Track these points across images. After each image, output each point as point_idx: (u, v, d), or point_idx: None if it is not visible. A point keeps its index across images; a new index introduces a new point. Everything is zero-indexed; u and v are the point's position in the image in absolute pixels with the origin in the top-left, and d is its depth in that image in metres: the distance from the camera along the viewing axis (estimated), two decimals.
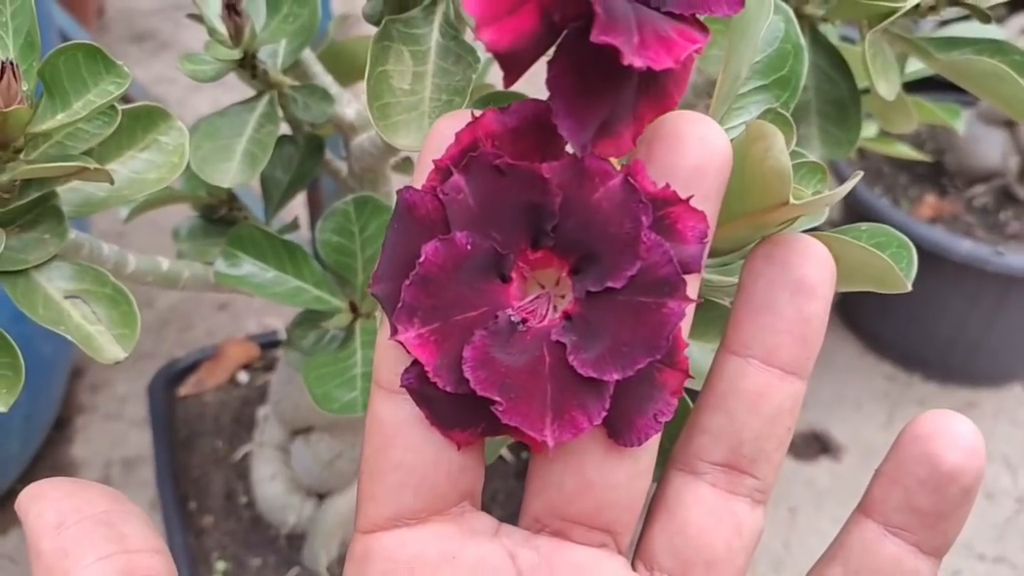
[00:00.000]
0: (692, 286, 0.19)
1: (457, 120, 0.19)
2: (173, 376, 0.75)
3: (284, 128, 0.40)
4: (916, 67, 0.47)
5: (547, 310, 0.20)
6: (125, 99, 0.29)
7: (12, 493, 0.77)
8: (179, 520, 0.63)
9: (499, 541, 0.21)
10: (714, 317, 0.26)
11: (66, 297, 0.30)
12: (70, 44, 0.28)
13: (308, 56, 0.40)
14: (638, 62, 0.16)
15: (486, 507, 0.21)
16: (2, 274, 0.29)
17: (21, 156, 0.28)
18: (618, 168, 0.19)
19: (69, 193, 0.31)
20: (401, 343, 0.19)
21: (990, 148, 0.94)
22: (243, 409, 0.72)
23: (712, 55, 0.36)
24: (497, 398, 0.18)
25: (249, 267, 0.40)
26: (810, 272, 0.20)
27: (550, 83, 0.18)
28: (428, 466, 0.20)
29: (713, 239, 0.20)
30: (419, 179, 0.20)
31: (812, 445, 0.91)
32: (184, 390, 0.74)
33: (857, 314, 1.01)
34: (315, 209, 0.66)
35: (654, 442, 0.20)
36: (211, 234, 0.46)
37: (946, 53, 0.35)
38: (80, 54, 0.28)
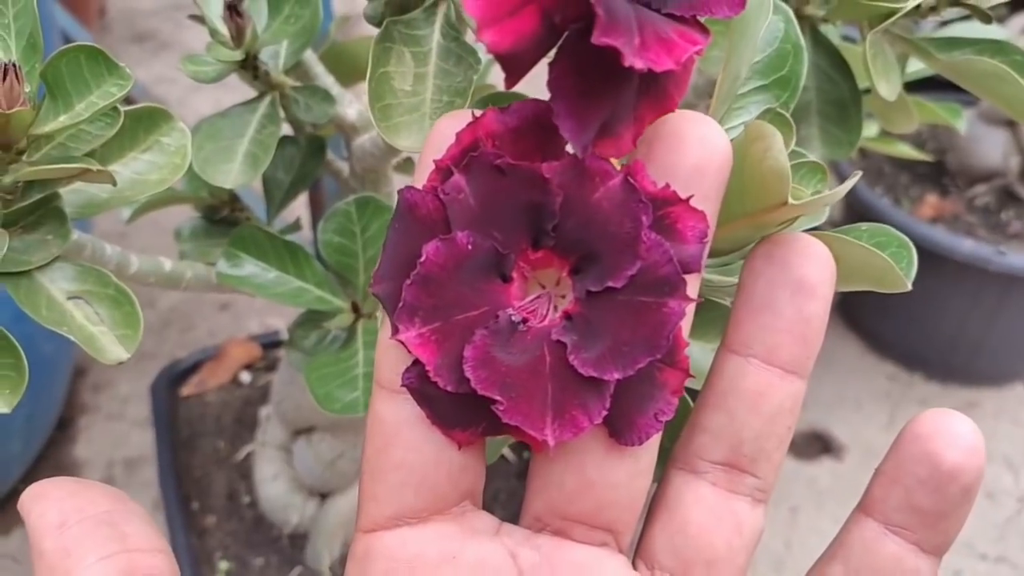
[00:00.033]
0: (692, 285, 0.19)
1: (458, 120, 0.20)
2: (175, 376, 0.75)
3: (286, 129, 0.40)
4: (917, 67, 0.47)
5: (548, 310, 0.20)
6: (127, 100, 0.29)
7: (15, 493, 0.77)
8: (182, 520, 0.63)
9: (500, 540, 0.21)
10: (715, 317, 0.26)
11: (69, 298, 0.30)
12: (72, 46, 0.28)
13: (310, 57, 0.40)
14: (639, 63, 0.16)
15: (488, 507, 0.21)
16: (5, 275, 0.30)
17: (24, 158, 0.28)
18: (618, 168, 0.19)
19: (72, 194, 0.31)
20: (402, 342, 0.19)
21: (991, 148, 0.94)
22: (245, 409, 0.72)
23: (713, 56, 0.36)
24: (498, 397, 0.18)
25: (251, 267, 0.40)
26: (810, 272, 0.20)
27: (551, 84, 0.18)
28: (429, 465, 0.20)
29: (713, 239, 0.20)
30: (420, 179, 0.20)
31: (813, 445, 0.91)
32: (186, 390, 0.74)
33: (858, 314, 1.01)
34: (317, 210, 0.66)
35: (655, 441, 0.20)
36: (213, 235, 0.46)
37: (947, 53, 0.35)
38: (82, 56, 0.28)
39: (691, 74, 0.19)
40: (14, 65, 0.26)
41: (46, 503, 0.20)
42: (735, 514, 0.21)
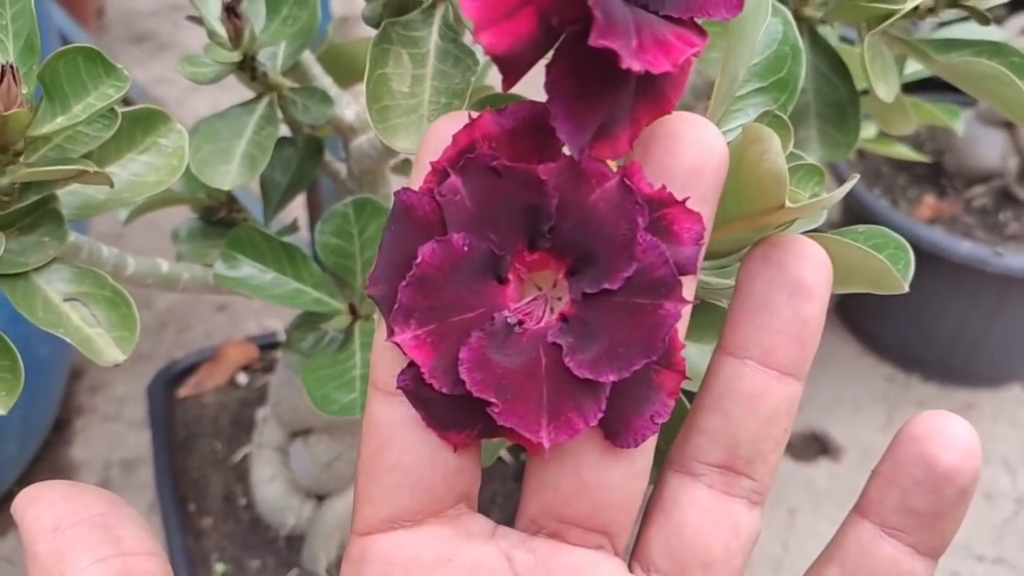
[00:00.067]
0: (688, 287, 0.19)
1: (454, 122, 0.20)
2: (172, 378, 0.75)
3: (283, 130, 0.40)
4: (915, 68, 0.47)
5: (544, 312, 0.20)
6: (125, 101, 0.29)
7: (10, 495, 0.77)
8: (178, 522, 0.63)
9: (495, 543, 0.21)
10: (711, 319, 0.26)
11: (65, 300, 0.30)
12: (70, 47, 0.28)
13: (308, 58, 0.40)
14: (636, 66, 0.16)
15: (484, 509, 0.21)
16: (2, 277, 0.30)
17: (21, 159, 0.28)
18: (615, 170, 0.19)
19: (69, 196, 0.31)
20: (397, 344, 0.19)
21: (989, 149, 0.94)
22: (242, 411, 0.72)
23: (711, 57, 0.36)
24: (493, 400, 0.18)
25: (248, 269, 0.40)
26: (807, 273, 0.20)
27: (548, 86, 0.18)
28: (424, 468, 0.20)
29: (710, 241, 0.20)
30: (416, 180, 0.20)
31: (811, 446, 0.91)
32: (183, 392, 0.74)
33: (856, 315, 1.01)
34: (314, 211, 0.66)
35: (651, 443, 0.20)
36: (210, 236, 0.46)
37: (945, 55, 0.35)
38: (80, 57, 0.28)
39: (688, 76, 0.19)
40: (11, 66, 0.26)
41: (40, 506, 0.20)
42: (731, 516, 0.21)
